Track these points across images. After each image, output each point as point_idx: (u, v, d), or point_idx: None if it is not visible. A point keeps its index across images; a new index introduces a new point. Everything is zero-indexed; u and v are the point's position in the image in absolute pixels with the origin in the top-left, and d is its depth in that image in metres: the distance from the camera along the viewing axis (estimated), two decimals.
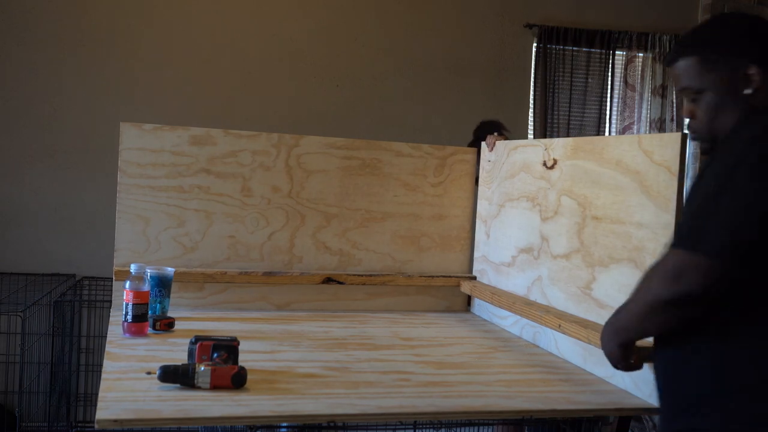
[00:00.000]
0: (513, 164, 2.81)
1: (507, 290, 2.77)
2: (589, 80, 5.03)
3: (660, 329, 1.59)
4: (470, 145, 3.62)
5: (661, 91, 5.01)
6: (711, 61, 1.63)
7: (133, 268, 2.36)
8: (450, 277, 3.04)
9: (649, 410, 1.92)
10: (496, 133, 3.11)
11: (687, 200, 1.59)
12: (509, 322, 2.76)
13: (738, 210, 1.45)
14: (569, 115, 4.99)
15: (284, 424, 2.61)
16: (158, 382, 1.79)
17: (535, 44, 4.98)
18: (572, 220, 2.37)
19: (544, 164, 2.57)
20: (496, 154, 2.97)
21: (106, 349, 2.16)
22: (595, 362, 2.16)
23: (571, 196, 2.39)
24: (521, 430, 3.25)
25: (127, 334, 2.30)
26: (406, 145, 3.02)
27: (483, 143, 3.10)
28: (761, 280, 1.47)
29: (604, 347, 1.71)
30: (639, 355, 1.72)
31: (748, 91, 1.59)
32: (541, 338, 2.52)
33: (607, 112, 5.11)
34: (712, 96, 1.62)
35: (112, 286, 2.71)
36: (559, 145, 2.50)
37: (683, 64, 1.66)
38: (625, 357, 1.68)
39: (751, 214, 1.44)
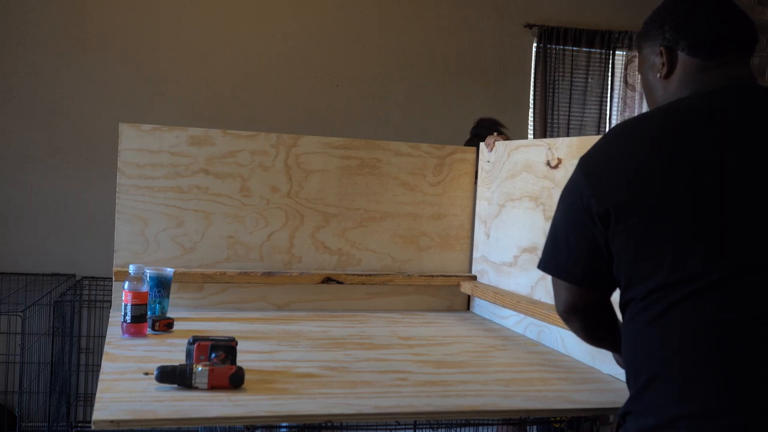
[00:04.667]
0: (515, 164, 2.80)
1: (509, 290, 2.77)
2: (589, 80, 5.03)
3: (578, 334, 1.71)
4: (467, 142, 3.61)
5: None
6: (639, 48, 1.63)
7: (131, 268, 2.36)
8: (450, 276, 3.04)
9: None
10: (496, 133, 3.11)
11: None
12: (512, 321, 2.76)
13: (550, 234, 1.60)
14: (569, 115, 5.00)
15: (284, 424, 2.61)
16: (156, 382, 1.79)
17: (535, 44, 4.98)
18: None
19: (548, 164, 2.56)
20: (495, 155, 2.97)
21: (105, 349, 2.16)
22: (603, 359, 2.16)
23: None
24: (522, 430, 3.24)
25: (126, 335, 2.30)
26: (405, 145, 3.02)
27: (482, 143, 3.10)
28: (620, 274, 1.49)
29: None
30: None
31: (658, 76, 1.56)
32: (546, 337, 2.52)
33: (607, 112, 5.12)
34: (643, 86, 1.63)
35: (112, 286, 2.71)
36: (563, 145, 2.50)
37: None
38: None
39: (553, 237, 1.59)
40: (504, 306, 2.71)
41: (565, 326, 2.19)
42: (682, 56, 1.52)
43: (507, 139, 3.14)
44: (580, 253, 1.52)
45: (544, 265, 1.61)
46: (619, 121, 5.07)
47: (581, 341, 2.24)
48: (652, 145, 1.42)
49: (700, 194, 1.36)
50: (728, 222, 1.35)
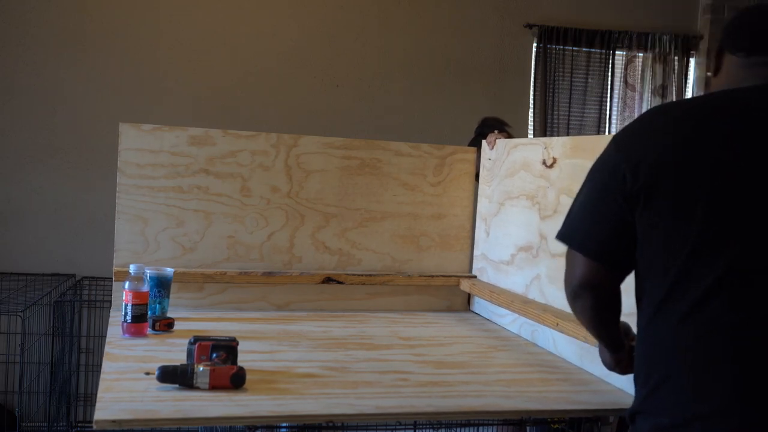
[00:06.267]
0: (513, 163, 2.81)
1: (506, 288, 2.77)
2: (589, 80, 5.03)
3: (584, 315, 1.62)
4: (472, 141, 3.62)
5: (661, 91, 5.00)
6: None
7: (132, 268, 2.36)
8: (450, 276, 3.03)
9: None
10: (497, 132, 3.11)
11: None
12: (508, 320, 2.76)
13: (575, 207, 1.55)
14: (569, 115, 4.99)
15: (284, 424, 2.61)
16: (157, 382, 1.79)
17: (535, 44, 4.98)
18: None
19: (544, 163, 2.57)
20: (496, 153, 2.97)
21: (106, 349, 2.16)
22: (592, 360, 2.16)
23: (570, 194, 2.37)
24: (522, 430, 3.24)
25: (127, 335, 2.30)
26: (405, 145, 3.02)
27: (484, 141, 3.10)
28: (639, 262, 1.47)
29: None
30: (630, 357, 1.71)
31: (709, 74, 1.61)
32: (539, 336, 2.52)
33: (607, 112, 5.11)
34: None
35: (112, 286, 2.71)
36: (558, 144, 2.51)
37: None
38: (615, 361, 1.71)
39: (578, 210, 1.54)
40: (499, 305, 2.72)
41: (560, 324, 2.22)
42: (727, 55, 1.55)
43: (510, 137, 3.14)
44: (604, 228, 1.48)
45: (567, 237, 1.55)
46: (618, 121, 5.09)
47: (571, 342, 2.25)
48: (664, 141, 1.42)
49: (709, 193, 1.36)
50: (738, 221, 1.35)
